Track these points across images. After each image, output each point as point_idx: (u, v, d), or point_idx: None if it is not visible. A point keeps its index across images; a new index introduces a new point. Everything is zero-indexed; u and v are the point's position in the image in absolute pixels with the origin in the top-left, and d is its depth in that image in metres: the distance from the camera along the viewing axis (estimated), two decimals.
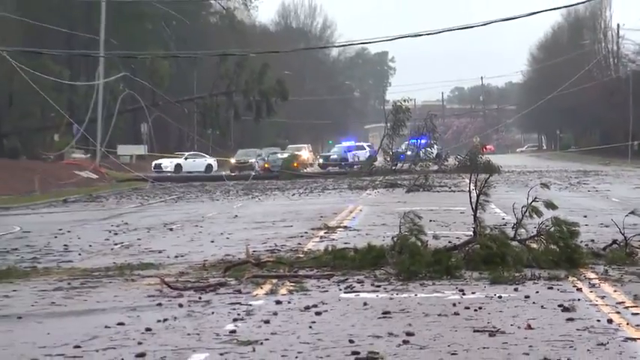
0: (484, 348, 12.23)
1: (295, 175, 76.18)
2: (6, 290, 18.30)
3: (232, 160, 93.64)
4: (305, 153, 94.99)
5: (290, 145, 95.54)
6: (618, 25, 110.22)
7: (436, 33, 45.86)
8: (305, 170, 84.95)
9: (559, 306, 15.11)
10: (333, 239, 25.63)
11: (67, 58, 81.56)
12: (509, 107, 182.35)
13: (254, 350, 12.35)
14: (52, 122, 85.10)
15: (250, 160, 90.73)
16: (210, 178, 76.91)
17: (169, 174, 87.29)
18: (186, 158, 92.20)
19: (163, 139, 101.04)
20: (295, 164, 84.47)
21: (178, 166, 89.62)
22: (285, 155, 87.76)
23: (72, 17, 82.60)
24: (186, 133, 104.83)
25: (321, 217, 34.36)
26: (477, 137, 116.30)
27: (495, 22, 45.97)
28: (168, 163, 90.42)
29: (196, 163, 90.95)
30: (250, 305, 15.99)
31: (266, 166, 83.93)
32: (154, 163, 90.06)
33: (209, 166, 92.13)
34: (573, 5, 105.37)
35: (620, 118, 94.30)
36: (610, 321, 13.83)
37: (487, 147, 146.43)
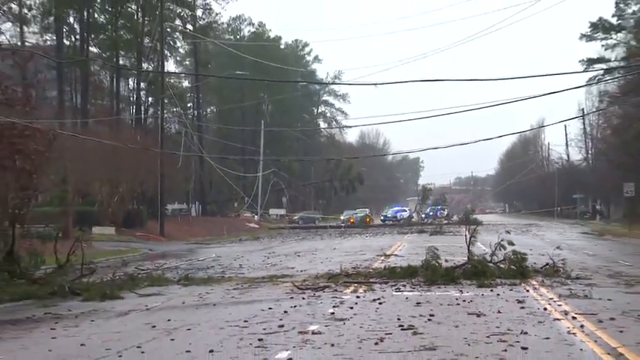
0: (474, 323, 12.09)
1: (367, 226, 75.81)
2: (207, 289, 18.46)
3: (295, 217, 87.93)
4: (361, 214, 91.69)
5: (357, 209, 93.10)
6: (548, 143, 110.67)
7: (446, 147, 45.83)
8: (372, 223, 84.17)
9: (516, 300, 14.90)
10: (389, 261, 25.43)
11: (242, 161, 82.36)
12: (487, 188, 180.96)
13: (344, 323, 12.36)
14: (233, 196, 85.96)
15: (307, 216, 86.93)
16: (320, 227, 75.85)
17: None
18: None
19: (294, 205, 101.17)
20: (367, 220, 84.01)
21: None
22: (361, 214, 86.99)
23: (244, 138, 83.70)
24: (307, 202, 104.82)
25: (382, 249, 34.09)
26: (469, 205, 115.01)
27: (480, 141, 46.06)
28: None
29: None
30: (342, 298, 15.93)
31: (351, 220, 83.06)
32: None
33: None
34: (524, 132, 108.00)
35: (549, 194, 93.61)
36: (545, 309, 13.62)
37: (486, 210, 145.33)
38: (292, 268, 24.64)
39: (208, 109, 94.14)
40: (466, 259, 20.03)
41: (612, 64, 59.01)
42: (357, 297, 16.11)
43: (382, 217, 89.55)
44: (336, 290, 17.48)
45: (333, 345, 10.35)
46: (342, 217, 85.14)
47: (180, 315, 14.05)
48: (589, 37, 59.79)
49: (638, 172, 51.52)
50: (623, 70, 55.25)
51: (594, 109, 75.37)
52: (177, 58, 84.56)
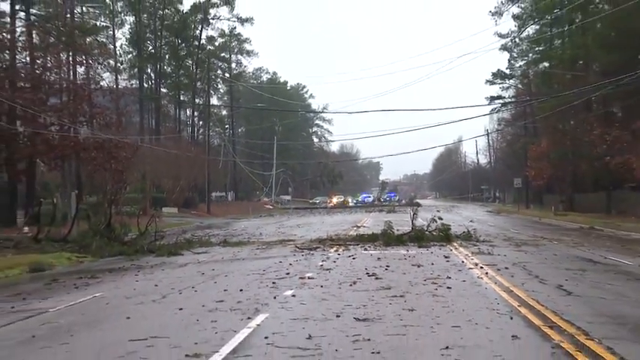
0: (415, 271, 12.02)
1: (345, 207, 75.32)
2: (238, 249, 18.34)
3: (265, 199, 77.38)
4: (341, 199, 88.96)
5: (335, 196, 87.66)
6: (465, 151, 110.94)
7: (398, 155, 45.81)
8: (349, 205, 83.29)
9: (443, 256, 14.85)
10: (359, 230, 25.39)
11: (261, 164, 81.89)
12: (424, 182, 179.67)
13: (330, 272, 12.27)
14: (256, 187, 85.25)
15: (285, 199, 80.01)
16: (313, 207, 74.45)
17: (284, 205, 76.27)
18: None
19: (297, 193, 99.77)
20: (345, 202, 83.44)
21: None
22: (341, 199, 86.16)
23: (263, 148, 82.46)
24: (305, 191, 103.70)
25: (355, 222, 34.04)
26: (412, 193, 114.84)
27: (420, 150, 46.13)
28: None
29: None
30: (328, 255, 15.84)
31: (335, 203, 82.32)
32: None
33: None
34: (448, 144, 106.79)
35: (465, 186, 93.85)
36: (463, 261, 13.58)
37: (426, 197, 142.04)
38: (295, 235, 24.52)
39: (239, 129, 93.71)
40: (410, 228, 20.02)
41: (506, 100, 59.91)
42: (338, 254, 16.03)
43: (355, 201, 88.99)
44: (324, 250, 17.41)
45: (322, 286, 10.31)
46: (310, 201, 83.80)
47: (220, 266, 13.97)
48: (491, 82, 60.21)
49: (522, 170, 51.88)
50: (513, 104, 56.23)
51: (495, 130, 76.13)
52: (219, 95, 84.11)
